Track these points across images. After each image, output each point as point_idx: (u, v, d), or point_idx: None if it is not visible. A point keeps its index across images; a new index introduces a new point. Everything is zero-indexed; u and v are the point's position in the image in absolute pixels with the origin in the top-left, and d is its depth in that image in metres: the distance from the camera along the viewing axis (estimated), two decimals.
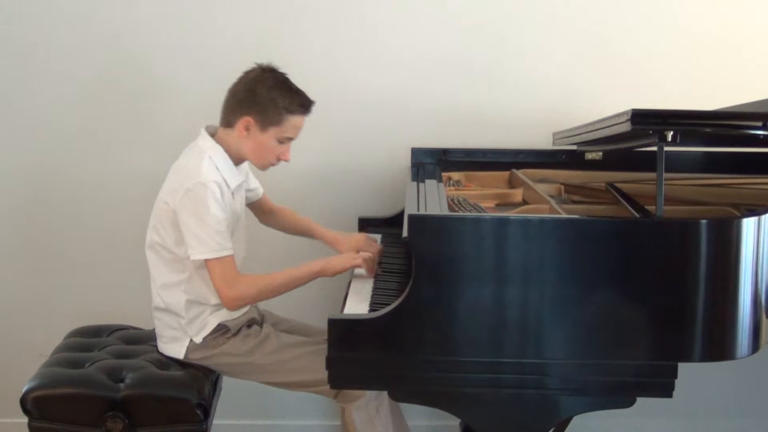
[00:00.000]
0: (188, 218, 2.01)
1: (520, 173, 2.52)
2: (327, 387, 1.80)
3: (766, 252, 1.76)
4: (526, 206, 2.17)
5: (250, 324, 2.19)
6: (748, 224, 1.73)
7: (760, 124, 1.80)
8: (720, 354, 1.76)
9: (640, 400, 1.75)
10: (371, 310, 1.85)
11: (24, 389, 2.01)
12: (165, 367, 2.12)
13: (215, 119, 2.16)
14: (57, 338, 2.34)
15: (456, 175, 2.62)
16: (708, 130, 1.88)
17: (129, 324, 2.43)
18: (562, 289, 1.71)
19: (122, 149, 2.75)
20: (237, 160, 2.15)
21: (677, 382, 1.73)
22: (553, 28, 2.73)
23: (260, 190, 2.39)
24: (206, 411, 2.02)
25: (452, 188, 2.46)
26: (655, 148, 1.74)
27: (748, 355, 1.76)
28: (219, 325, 2.13)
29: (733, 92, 2.51)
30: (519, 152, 2.68)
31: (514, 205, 2.28)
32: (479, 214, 2.02)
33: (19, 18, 2.69)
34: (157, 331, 2.20)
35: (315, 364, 2.00)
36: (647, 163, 2.02)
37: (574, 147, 2.53)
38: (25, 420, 2.01)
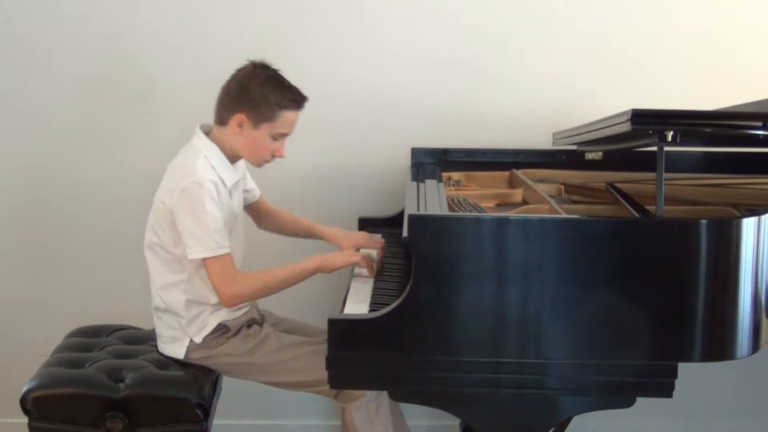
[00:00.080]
0: (185, 217, 2.01)
1: (520, 173, 2.52)
2: (327, 387, 1.80)
3: (766, 252, 1.76)
4: (526, 206, 2.17)
5: (250, 324, 2.19)
6: (748, 224, 1.73)
7: (760, 124, 1.80)
8: (720, 354, 1.76)
9: (640, 400, 1.75)
10: (371, 310, 1.85)
11: (24, 389, 2.01)
12: (165, 367, 2.12)
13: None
14: (57, 338, 2.34)
15: (456, 175, 2.62)
16: (708, 130, 1.88)
17: (129, 324, 2.43)
18: (562, 289, 1.71)
19: (122, 149, 2.75)
20: (232, 158, 2.14)
21: (677, 382, 1.73)
22: (553, 28, 2.73)
23: (257, 192, 2.38)
24: (206, 411, 2.02)
25: (452, 188, 2.46)
26: (655, 148, 1.74)
27: (748, 355, 1.76)
28: (219, 325, 2.13)
29: (733, 92, 2.51)
30: (519, 152, 2.68)
31: (514, 205, 2.28)
32: (479, 214, 2.02)
33: (19, 18, 2.69)
34: (157, 331, 2.20)
35: (315, 364, 2.00)
36: (647, 163, 2.02)
37: (574, 147, 2.53)
38: (25, 420, 2.01)
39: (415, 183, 2.31)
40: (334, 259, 2.10)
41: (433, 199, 2.03)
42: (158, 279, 2.14)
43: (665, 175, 1.73)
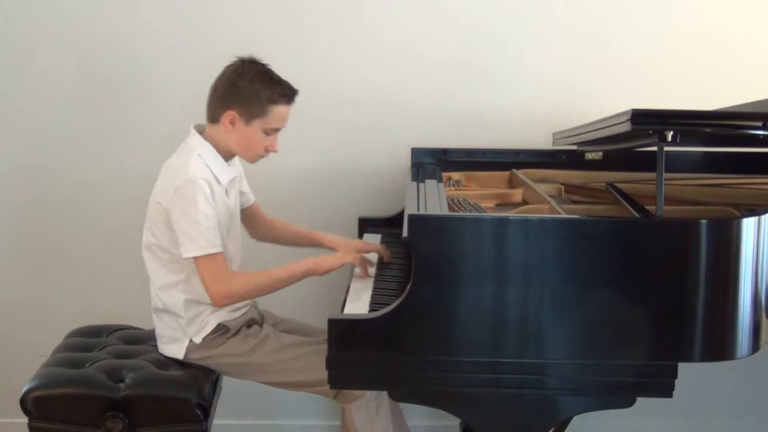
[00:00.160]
0: (179, 216, 2.01)
1: (520, 173, 2.52)
2: (327, 387, 1.80)
3: (766, 252, 1.76)
4: (526, 206, 2.17)
5: (249, 324, 2.19)
6: (748, 224, 1.73)
7: (760, 124, 1.80)
8: (720, 354, 1.76)
9: (640, 400, 1.75)
10: (371, 310, 1.85)
11: (24, 389, 2.01)
12: (165, 367, 2.12)
13: None
14: (57, 338, 2.34)
15: (456, 175, 2.62)
16: (708, 130, 1.88)
17: (129, 324, 2.43)
18: (562, 289, 1.71)
19: (122, 149, 2.75)
20: (227, 156, 2.14)
21: (677, 382, 1.73)
22: (553, 28, 2.73)
23: (251, 196, 2.35)
24: (206, 411, 2.02)
25: (452, 188, 2.46)
26: (655, 148, 1.74)
27: (748, 355, 1.76)
28: (219, 325, 2.13)
29: (733, 92, 2.51)
30: (519, 152, 2.68)
31: (514, 205, 2.28)
32: (479, 214, 2.02)
33: (19, 18, 2.69)
34: (156, 331, 2.20)
35: (315, 364, 2.00)
36: (647, 163, 2.02)
37: (574, 147, 2.53)
38: (25, 420, 2.01)
39: (415, 183, 2.31)
40: (326, 260, 2.09)
41: (433, 199, 2.03)
42: (157, 279, 2.14)
43: (665, 175, 1.73)
